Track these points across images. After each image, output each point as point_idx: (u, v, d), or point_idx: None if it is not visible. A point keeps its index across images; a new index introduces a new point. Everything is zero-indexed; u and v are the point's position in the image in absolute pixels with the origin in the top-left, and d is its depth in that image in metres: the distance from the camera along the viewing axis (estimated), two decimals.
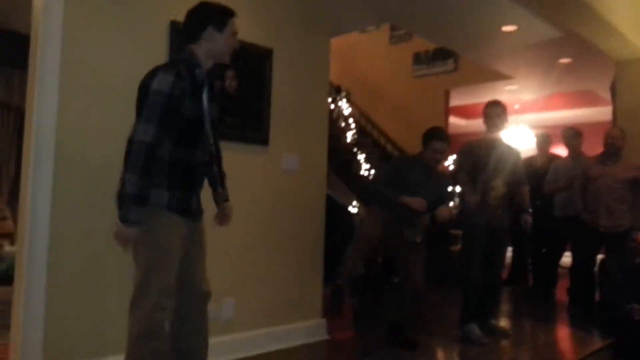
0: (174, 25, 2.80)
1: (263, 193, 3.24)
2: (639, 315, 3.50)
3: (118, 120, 2.58)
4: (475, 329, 3.62)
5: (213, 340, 2.87)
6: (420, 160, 3.53)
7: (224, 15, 2.07)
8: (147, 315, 1.96)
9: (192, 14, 2.09)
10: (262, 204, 3.23)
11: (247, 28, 3.17)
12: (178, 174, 2.04)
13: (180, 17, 2.77)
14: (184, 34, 2.10)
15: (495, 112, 3.86)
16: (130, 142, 1.93)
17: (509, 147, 3.96)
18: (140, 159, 1.90)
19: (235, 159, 3.11)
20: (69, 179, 2.43)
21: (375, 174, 4.76)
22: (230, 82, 3.07)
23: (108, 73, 2.57)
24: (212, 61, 2.09)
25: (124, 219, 1.93)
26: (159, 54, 2.75)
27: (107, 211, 2.54)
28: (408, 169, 3.49)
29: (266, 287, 3.23)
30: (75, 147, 2.46)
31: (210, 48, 2.06)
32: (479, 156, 3.74)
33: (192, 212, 2.14)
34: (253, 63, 3.20)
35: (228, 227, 3.06)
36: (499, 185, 3.62)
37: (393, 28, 8.88)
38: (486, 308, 3.82)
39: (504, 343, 3.69)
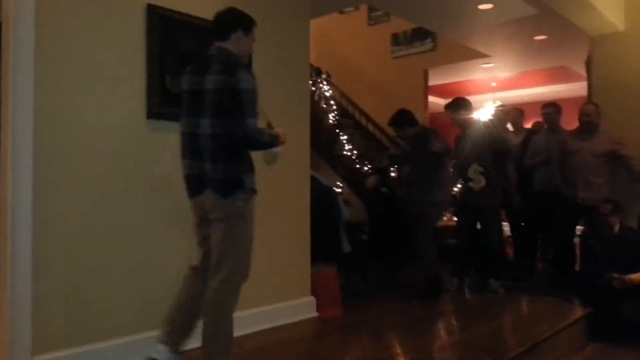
0: (150, 9, 2.76)
1: None
2: (618, 283, 3.61)
3: (96, 108, 2.57)
4: (449, 280, 4.48)
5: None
6: None
7: (251, 22, 2.42)
8: (238, 286, 2.34)
9: (224, 15, 2.39)
10: None
11: None
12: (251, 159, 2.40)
13: (157, 1, 2.77)
14: (215, 31, 2.38)
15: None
16: (247, 137, 2.23)
17: (480, 129, 4.20)
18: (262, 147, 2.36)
19: None
20: (49, 167, 2.41)
21: None
22: None
23: (83, 59, 2.52)
24: None
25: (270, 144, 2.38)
26: (136, 38, 2.72)
27: (90, 201, 2.54)
28: None
29: (254, 267, 3.24)
30: (54, 137, 2.43)
31: (236, 47, 2.36)
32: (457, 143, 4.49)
33: None
34: None
35: None
36: (474, 174, 4.27)
37: (371, 9, 8.85)
38: (484, 269, 4.50)
39: (488, 313, 3.80)
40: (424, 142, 4.12)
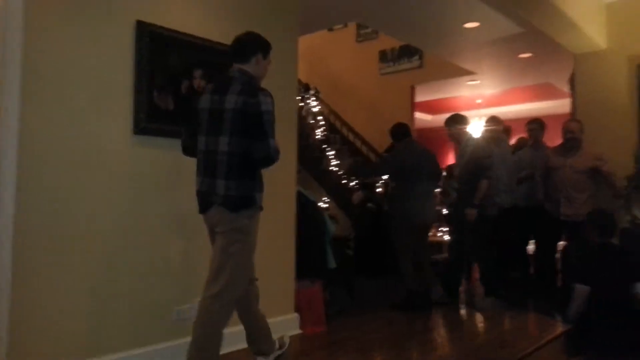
0: (140, 25, 2.78)
1: None
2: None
3: (83, 123, 2.57)
4: (439, 293, 4.59)
5: (187, 340, 2.89)
6: None
7: (269, 46, 2.55)
8: (230, 301, 2.43)
9: (245, 39, 2.50)
10: None
11: (216, 27, 3.17)
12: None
13: (147, 17, 2.80)
14: (235, 54, 2.49)
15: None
16: (269, 157, 2.35)
17: (464, 146, 4.48)
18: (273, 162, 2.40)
19: None
20: (33, 182, 2.39)
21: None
22: (198, 81, 3.07)
23: (71, 73, 2.53)
24: None
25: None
26: (125, 53, 2.74)
27: (74, 216, 2.53)
28: None
29: None
30: (40, 152, 2.42)
31: (255, 70, 2.48)
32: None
33: None
34: (222, 62, 3.19)
35: (199, 226, 3.08)
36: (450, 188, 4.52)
37: (359, 27, 8.97)
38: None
39: (472, 328, 3.82)
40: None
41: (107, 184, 2.65)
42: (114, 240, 2.67)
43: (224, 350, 3.03)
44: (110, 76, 2.69)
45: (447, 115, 4.71)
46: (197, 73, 3.06)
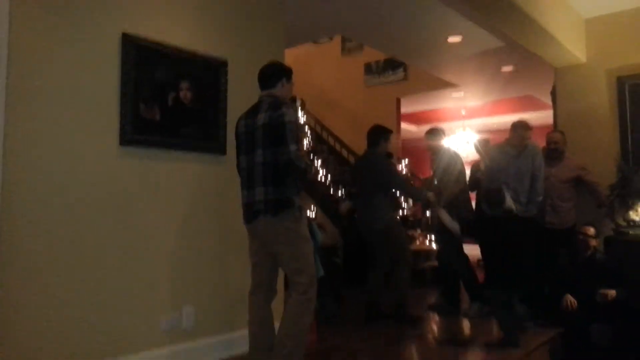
0: (126, 38, 2.79)
1: (220, 202, 3.25)
2: (573, 306, 3.72)
3: (67, 134, 2.56)
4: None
5: (175, 349, 2.88)
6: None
7: (291, 71, 2.84)
8: (314, 298, 2.63)
9: (270, 68, 2.81)
10: (220, 212, 3.25)
11: (202, 39, 3.20)
12: None
13: (133, 30, 2.81)
14: (263, 82, 2.78)
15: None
16: (291, 161, 2.52)
17: (441, 156, 4.55)
18: (300, 172, 2.59)
19: (193, 168, 3.12)
20: (17, 194, 2.37)
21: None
22: (185, 93, 3.08)
23: (56, 85, 2.53)
24: None
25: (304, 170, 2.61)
26: (111, 66, 2.74)
27: (59, 229, 2.51)
28: None
29: (225, 294, 3.24)
30: (23, 165, 2.40)
31: (281, 92, 2.76)
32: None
33: None
34: (208, 74, 3.23)
35: (186, 237, 3.09)
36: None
37: (345, 40, 9.07)
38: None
39: (460, 337, 3.84)
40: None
41: (93, 194, 2.64)
42: (101, 249, 2.65)
43: (234, 352, 3.14)
44: (96, 88, 2.69)
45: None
46: (184, 85, 3.08)
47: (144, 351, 2.79)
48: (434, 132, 4.71)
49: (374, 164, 4.29)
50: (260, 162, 2.61)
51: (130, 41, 2.81)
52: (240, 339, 3.16)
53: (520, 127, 4.24)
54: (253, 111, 2.73)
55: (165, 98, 2.98)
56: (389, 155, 4.59)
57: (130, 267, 2.78)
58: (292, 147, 2.53)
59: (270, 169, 2.59)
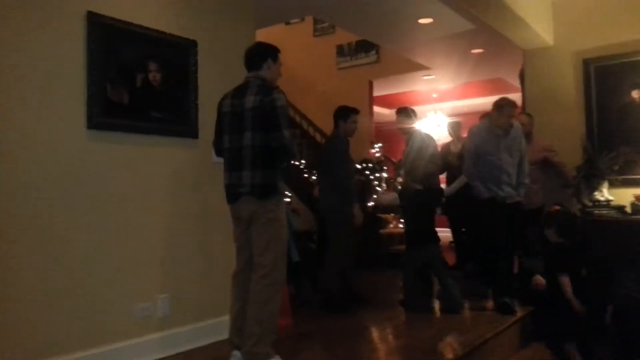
0: (91, 16, 2.69)
1: (193, 186, 3.20)
2: (542, 286, 3.81)
3: (32, 114, 2.47)
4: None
5: (150, 337, 2.84)
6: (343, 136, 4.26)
7: (276, 51, 2.81)
8: (278, 282, 2.63)
9: (254, 49, 2.80)
10: (192, 198, 3.20)
11: (171, 19, 3.12)
12: None
13: (99, 8, 2.71)
14: (249, 63, 2.77)
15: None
16: (284, 145, 2.57)
17: (414, 138, 4.45)
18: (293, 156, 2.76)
19: (164, 152, 3.06)
20: None
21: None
22: (154, 74, 3.01)
23: (19, 64, 2.43)
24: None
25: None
26: (76, 45, 2.65)
27: (24, 213, 2.44)
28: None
29: (199, 281, 3.22)
30: None
31: (268, 74, 2.75)
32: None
33: None
34: (177, 55, 3.15)
35: (160, 223, 3.04)
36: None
37: (316, 21, 8.97)
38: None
39: (433, 318, 3.92)
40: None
41: (59, 178, 2.56)
42: (70, 237, 2.59)
43: (210, 340, 3.15)
44: (61, 69, 2.59)
45: None
46: (153, 66, 3.00)
47: (116, 342, 2.75)
48: (405, 112, 4.61)
49: (324, 147, 4.29)
50: (249, 144, 2.60)
51: (96, 20, 2.71)
52: (219, 325, 3.16)
53: (507, 106, 4.02)
54: (240, 92, 2.70)
55: (133, 80, 2.90)
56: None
57: (101, 255, 2.72)
58: (285, 133, 2.56)
59: (260, 153, 2.60)
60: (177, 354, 3.00)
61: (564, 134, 5.14)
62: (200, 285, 3.21)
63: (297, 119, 8.84)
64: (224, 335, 2.89)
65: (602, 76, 5.09)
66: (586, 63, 5.17)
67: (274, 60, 2.78)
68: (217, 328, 3.18)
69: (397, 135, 4.76)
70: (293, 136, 7.95)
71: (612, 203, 4.76)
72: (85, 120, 2.67)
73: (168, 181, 3.08)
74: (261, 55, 2.77)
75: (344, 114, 4.29)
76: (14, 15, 2.42)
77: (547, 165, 4.73)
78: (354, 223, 4.12)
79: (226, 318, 2.86)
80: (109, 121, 2.75)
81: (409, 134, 4.64)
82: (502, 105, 4.03)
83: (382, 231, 6.71)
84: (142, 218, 2.92)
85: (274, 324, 2.62)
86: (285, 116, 2.60)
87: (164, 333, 2.97)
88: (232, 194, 2.70)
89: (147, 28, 2.95)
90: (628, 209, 4.67)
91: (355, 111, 4.34)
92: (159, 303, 2.96)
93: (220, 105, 2.78)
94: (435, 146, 4.57)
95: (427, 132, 4.89)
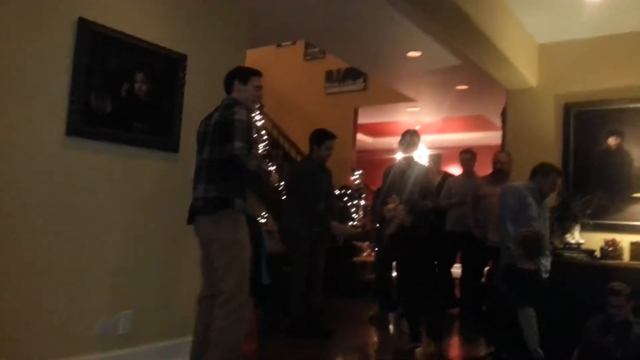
0: (82, 23, 2.68)
1: (171, 202, 3.15)
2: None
3: (10, 117, 2.43)
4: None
5: (111, 354, 2.76)
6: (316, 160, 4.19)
7: (248, 73, 2.82)
8: (239, 307, 2.55)
9: (228, 73, 2.84)
10: (169, 213, 3.14)
11: (162, 32, 3.12)
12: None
13: (90, 15, 2.70)
14: (225, 86, 2.82)
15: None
16: (235, 156, 2.49)
17: (411, 167, 4.37)
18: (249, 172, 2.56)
19: (143, 164, 3.02)
20: None
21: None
22: (140, 85, 2.99)
23: (9, 70, 2.40)
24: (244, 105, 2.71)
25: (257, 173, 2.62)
26: (63, 51, 2.63)
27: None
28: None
29: (168, 299, 3.15)
30: None
31: (239, 95, 2.76)
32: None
33: None
34: (166, 67, 3.14)
35: (131, 238, 2.97)
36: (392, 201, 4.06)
37: (308, 45, 9.07)
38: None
39: (399, 350, 3.89)
40: None
41: (34, 185, 2.51)
42: (36, 245, 2.52)
43: None
44: (46, 73, 2.56)
45: (388, 138, 4.83)
46: (139, 77, 2.99)
47: (75, 356, 2.65)
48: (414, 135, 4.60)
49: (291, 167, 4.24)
50: (207, 158, 2.61)
51: (87, 26, 2.70)
52: (183, 346, 3.08)
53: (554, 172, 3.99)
54: (213, 112, 2.74)
55: (118, 89, 2.88)
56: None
57: (66, 267, 2.65)
58: (237, 144, 2.49)
59: (215, 165, 2.58)
60: None
61: None
62: (169, 303, 3.15)
63: (281, 140, 8.85)
64: (187, 357, 2.82)
65: (582, 121, 5.20)
66: (567, 107, 5.29)
67: (242, 82, 2.77)
68: (180, 348, 3.09)
69: (378, 163, 4.78)
70: (275, 157, 7.86)
71: (583, 246, 4.82)
72: (65, 127, 2.63)
73: (144, 194, 3.03)
74: (229, 78, 2.81)
75: (319, 138, 4.24)
76: (6, 20, 2.39)
77: None
78: (336, 242, 4.17)
79: (190, 338, 2.79)
80: (88, 129, 2.71)
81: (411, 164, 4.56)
82: (549, 172, 3.97)
83: (355, 259, 6.68)
84: (113, 230, 2.86)
85: (236, 351, 2.55)
86: (241, 129, 2.53)
87: (125, 350, 2.88)
88: (190, 213, 2.67)
89: (138, 38, 2.95)
90: (597, 253, 4.73)
91: (330, 137, 4.27)
92: (121, 319, 2.88)
93: (198, 128, 2.82)
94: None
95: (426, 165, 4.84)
